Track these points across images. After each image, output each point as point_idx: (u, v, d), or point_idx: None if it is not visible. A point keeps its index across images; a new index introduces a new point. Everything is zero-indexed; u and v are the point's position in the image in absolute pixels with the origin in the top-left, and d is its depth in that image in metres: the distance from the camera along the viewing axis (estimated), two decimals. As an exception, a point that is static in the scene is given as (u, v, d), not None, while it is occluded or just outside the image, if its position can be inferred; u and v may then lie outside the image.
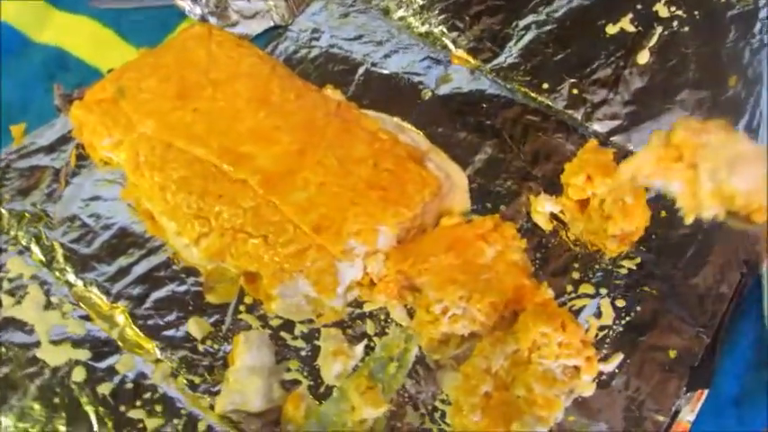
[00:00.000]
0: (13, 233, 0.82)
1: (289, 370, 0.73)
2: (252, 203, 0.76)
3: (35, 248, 0.81)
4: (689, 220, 0.71)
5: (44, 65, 0.97)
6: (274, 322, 0.76)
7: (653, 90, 0.90)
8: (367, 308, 0.77)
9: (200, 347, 0.75)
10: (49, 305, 0.77)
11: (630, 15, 0.95)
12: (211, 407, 0.71)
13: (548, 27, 0.96)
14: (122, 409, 0.71)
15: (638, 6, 0.95)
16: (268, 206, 0.75)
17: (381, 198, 0.77)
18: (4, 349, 0.75)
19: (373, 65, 0.94)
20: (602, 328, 0.75)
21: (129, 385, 0.73)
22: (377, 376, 0.70)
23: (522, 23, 0.96)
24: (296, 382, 0.72)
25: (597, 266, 0.79)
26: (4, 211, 0.83)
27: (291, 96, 0.84)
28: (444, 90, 0.92)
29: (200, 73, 0.85)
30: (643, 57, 0.93)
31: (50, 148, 0.88)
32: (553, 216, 0.83)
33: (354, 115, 0.84)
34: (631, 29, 0.94)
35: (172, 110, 0.82)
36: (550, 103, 0.91)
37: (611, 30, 0.95)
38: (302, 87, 0.86)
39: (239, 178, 0.77)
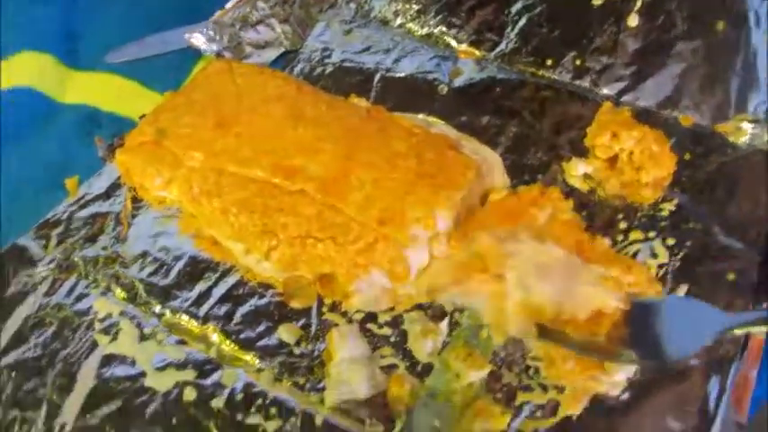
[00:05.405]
0: (91, 277, 0.84)
1: (383, 357, 0.76)
2: (313, 210, 0.79)
3: (116, 288, 0.83)
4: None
5: (77, 124, 1.01)
6: (357, 316, 0.79)
7: (649, 48, 0.96)
8: (441, 288, 0.80)
9: (296, 351, 0.77)
10: (143, 337, 0.79)
11: (613, -16, 1.01)
12: (321, 402, 0.74)
13: (538, 9, 1.01)
14: (239, 417, 0.73)
15: (619, -26, 1.02)
16: (329, 210, 0.79)
17: (431, 185, 0.81)
18: (112, 384, 0.76)
19: (387, 71, 0.99)
20: (660, 267, 0.79)
21: (240, 395, 0.75)
22: (471, 343, 0.73)
23: (513, 10, 1.02)
24: (393, 367, 0.75)
25: (640, 213, 0.84)
26: (77, 258, 0.86)
27: (323, 108, 0.88)
28: (459, 82, 0.97)
29: (232, 102, 0.88)
30: (633, 20, 0.98)
31: (106, 195, 0.90)
32: (587, 177, 0.88)
33: (386, 116, 0.89)
34: (615, -4, 1.01)
35: (215, 138, 0.85)
36: (557, 78, 0.97)
37: (597, 1, 1.01)
38: (331, 99, 0.90)
39: (296, 189, 0.80)
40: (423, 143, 0.85)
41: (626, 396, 0.71)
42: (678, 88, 0.93)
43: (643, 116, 0.90)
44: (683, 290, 0.78)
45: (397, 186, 0.80)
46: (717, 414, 0.70)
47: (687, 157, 0.87)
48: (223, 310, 0.81)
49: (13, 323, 0.82)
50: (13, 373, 0.79)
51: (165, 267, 0.84)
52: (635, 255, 0.80)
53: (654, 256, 0.80)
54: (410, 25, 1.04)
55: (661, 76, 0.94)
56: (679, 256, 0.80)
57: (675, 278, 0.78)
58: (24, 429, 0.75)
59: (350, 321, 0.79)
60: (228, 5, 1.06)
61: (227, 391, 0.75)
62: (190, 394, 0.75)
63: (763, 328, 0.64)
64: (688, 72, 0.94)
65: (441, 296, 0.67)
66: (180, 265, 0.84)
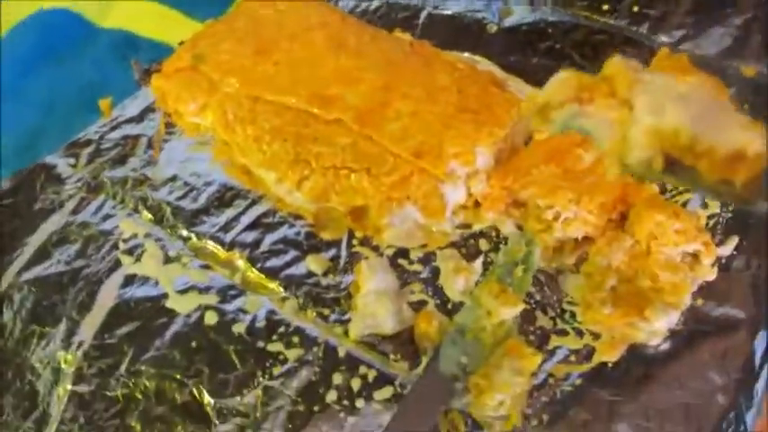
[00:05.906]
0: (119, 198, 0.83)
1: (413, 293, 0.73)
2: (348, 140, 0.76)
3: (143, 209, 0.82)
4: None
5: (115, 47, 1.00)
6: (388, 251, 0.76)
7: (713, -4, 0.92)
8: (476, 227, 0.77)
9: (323, 282, 0.75)
10: (167, 259, 0.78)
11: (677, -72, 0.97)
12: (345, 334, 0.71)
13: (593, -48, 0.97)
14: (260, 344, 0.71)
15: None
16: (365, 140, 0.76)
17: (473, 120, 0.77)
18: (132, 304, 0.75)
19: (435, 7, 0.97)
20: (710, 217, 0.75)
21: (262, 323, 0.73)
22: (505, 281, 0.70)
23: (568, -48, 0.98)
24: (423, 303, 0.73)
25: (692, 162, 0.79)
26: (105, 179, 0.85)
27: (367, 39, 0.85)
28: (509, 22, 0.94)
29: (273, 30, 0.86)
30: (693, -32, 0.94)
31: (140, 118, 0.90)
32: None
33: (430, 50, 0.85)
34: (679, -59, 0.96)
35: (253, 65, 0.83)
36: (614, 23, 0.92)
37: (655, -55, 0.96)
38: (375, 31, 0.88)
39: (332, 118, 0.78)
40: (466, 79, 0.82)
41: (666, 346, 0.68)
42: (740, 39, 0.89)
43: (702, 64, 0.85)
44: (733, 241, 0.74)
45: (437, 120, 0.77)
46: (762, 369, 0.66)
47: (745, 107, 0.82)
48: (251, 237, 0.79)
49: (38, 239, 0.81)
50: (34, 288, 0.78)
51: (195, 192, 0.83)
52: (685, 204, 0.76)
53: (704, 206, 0.76)
54: (460, -37, 1.01)
55: (722, 26, 0.90)
56: (731, 208, 0.76)
57: (726, 230, 0.74)
58: (42, 344, 0.75)
59: (381, 256, 0.76)
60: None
61: (249, 318, 0.73)
62: (211, 318, 0.73)
63: None
64: (751, 23, 0.89)
65: (555, 114, 0.60)
66: (210, 190, 0.83)
